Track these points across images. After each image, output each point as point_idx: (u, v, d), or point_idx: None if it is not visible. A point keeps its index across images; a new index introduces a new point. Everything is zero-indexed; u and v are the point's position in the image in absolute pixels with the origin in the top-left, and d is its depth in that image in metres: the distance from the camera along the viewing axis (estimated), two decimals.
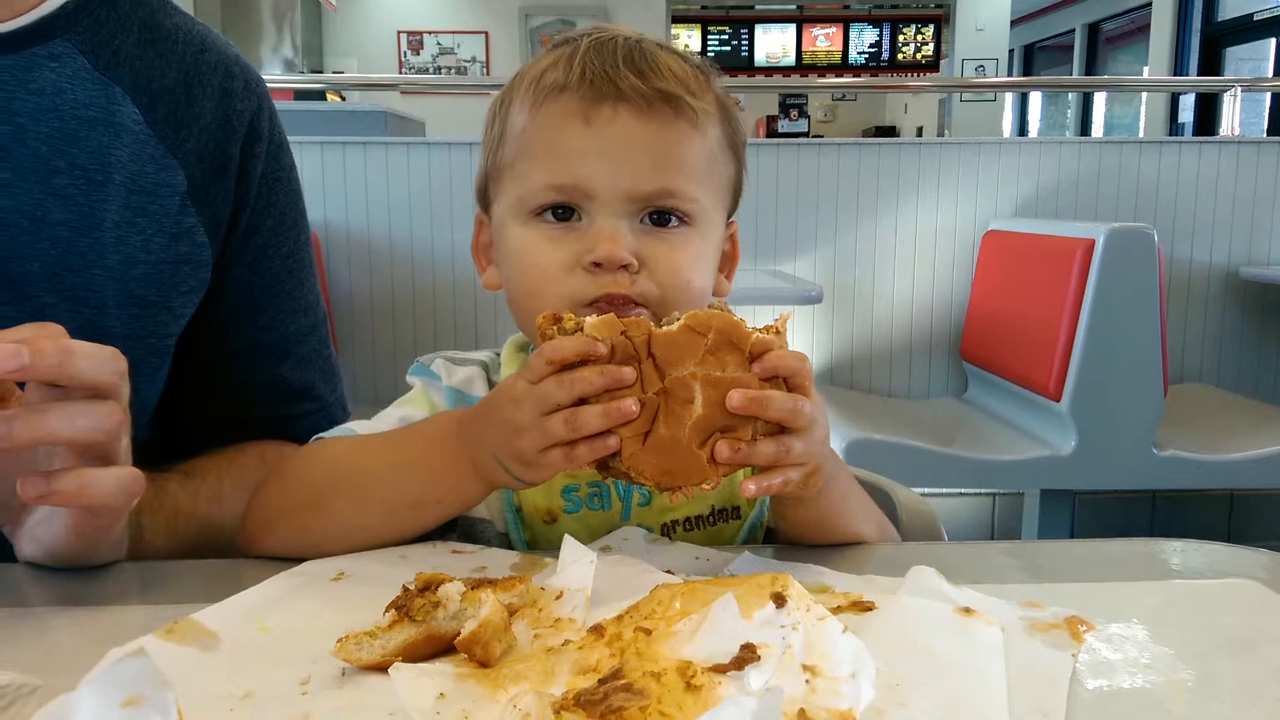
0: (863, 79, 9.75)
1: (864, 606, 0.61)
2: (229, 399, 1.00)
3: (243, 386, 1.00)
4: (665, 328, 0.64)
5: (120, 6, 0.90)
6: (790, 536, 0.76)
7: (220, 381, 0.99)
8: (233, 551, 0.80)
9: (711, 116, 0.81)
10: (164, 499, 0.86)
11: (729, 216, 0.87)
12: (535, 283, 0.78)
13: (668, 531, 0.79)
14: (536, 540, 0.80)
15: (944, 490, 3.07)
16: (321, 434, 0.83)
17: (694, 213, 0.80)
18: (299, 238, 1.04)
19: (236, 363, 0.99)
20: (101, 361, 0.63)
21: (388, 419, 0.85)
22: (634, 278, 0.77)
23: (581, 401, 0.63)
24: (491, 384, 0.86)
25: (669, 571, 0.66)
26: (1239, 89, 3.45)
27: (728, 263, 0.89)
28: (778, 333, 0.66)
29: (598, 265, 0.75)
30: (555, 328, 0.65)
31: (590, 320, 0.64)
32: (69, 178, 0.84)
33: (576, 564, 0.62)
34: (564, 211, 0.78)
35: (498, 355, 0.89)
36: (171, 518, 0.86)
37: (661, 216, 0.78)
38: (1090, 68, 11.30)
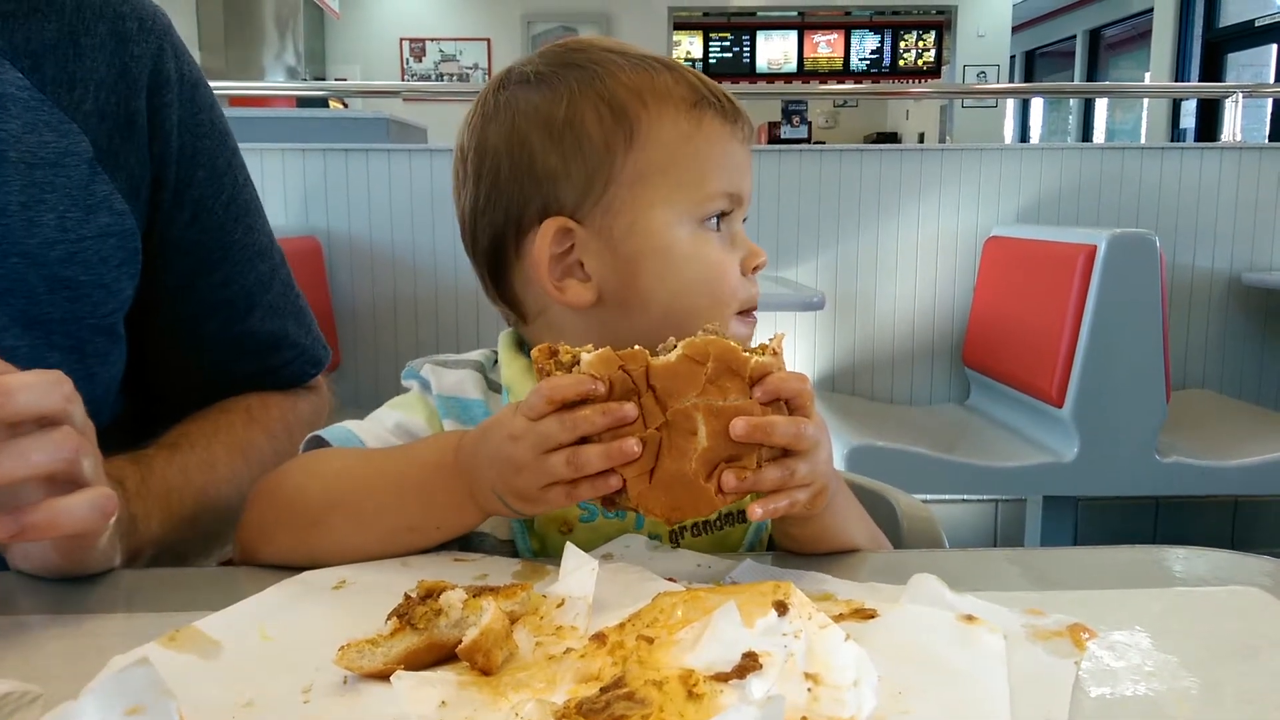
0: (864, 85, 9.78)
1: (866, 614, 0.61)
2: (203, 364, 0.96)
3: (214, 349, 0.96)
4: (663, 358, 0.63)
5: None
6: (791, 550, 0.76)
7: (190, 348, 0.95)
8: (231, 519, 0.78)
9: None
10: (152, 480, 0.83)
11: None
12: (722, 288, 0.81)
13: (676, 536, 0.79)
14: (547, 549, 0.79)
15: (946, 497, 3.07)
16: (320, 434, 0.82)
17: None
18: (237, 179, 0.96)
19: (202, 326, 0.95)
20: (43, 390, 0.60)
21: (383, 422, 0.84)
22: None
23: (583, 439, 0.63)
24: (489, 382, 0.85)
25: (671, 579, 0.66)
26: (1240, 95, 3.45)
27: None
28: (774, 354, 0.65)
29: (755, 269, 0.82)
30: (552, 361, 0.65)
31: (587, 357, 0.63)
32: None
33: (578, 571, 0.62)
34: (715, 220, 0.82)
35: (492, 354, 0.88)
36: (164, 497, 0.83)
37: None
38: (1092, 74, 11.31)
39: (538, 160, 0.79)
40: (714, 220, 0.81)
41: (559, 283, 0.80)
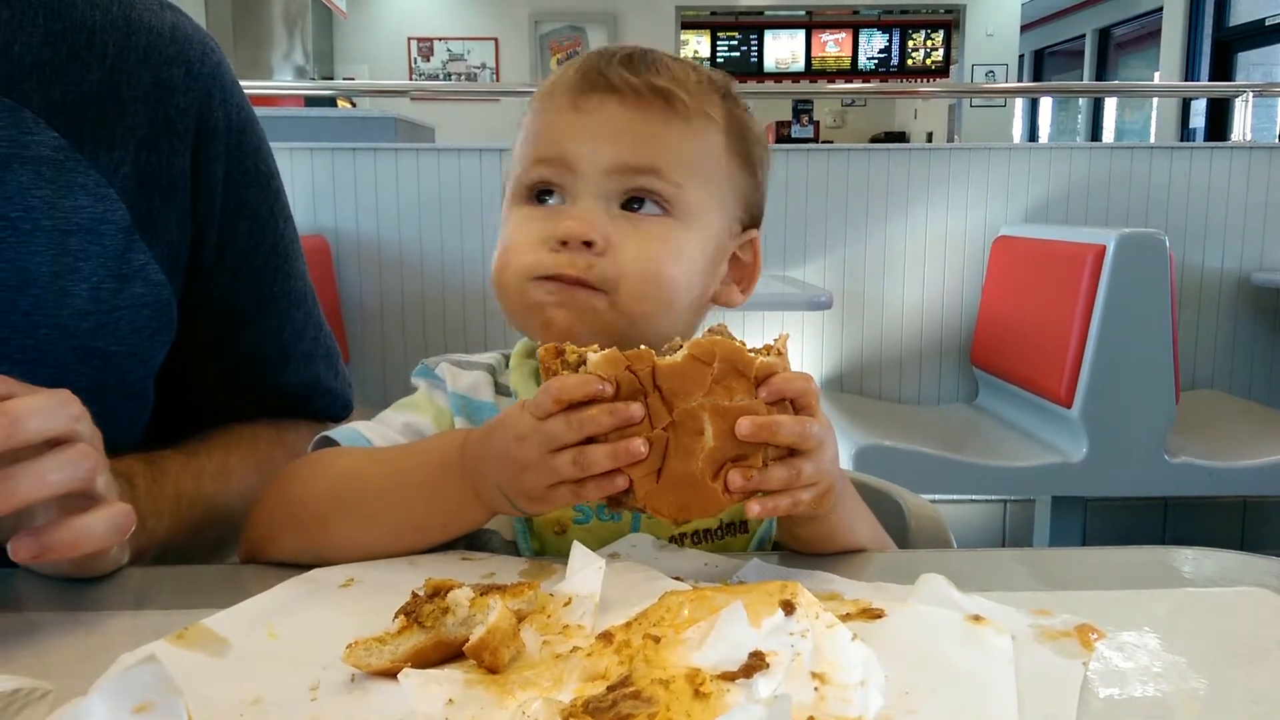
0: (872, 85, 9.76)
1: (873, 614, 0.61)
2: (235, 411, 0.95)
3: (247, 400, 0.95)
4: (669, 358, 0.63)
5: None
6: (795, 550, 0.76)
7: (223, 401, 0.94)
8: (238, 531, 0.78)
9: (713, 123, 0.82)
10: (164, 482, 0.82)
11: (744, 229, 0.86)
12: (504, 257, 0.81)
13: (678, 542, 0.79)
14: (545, 550, 0.80)
15: (954, 497, 3.06)
16: (329, 433, 0.82)
17: (676, 201, 0.79)
18: (279, 225, 0.94)
19: (237, 380, 0.94)
20: (52, 413, 0.60)
21: (391, 423, 0.84)
22: (595, 260, 0.77)
23: (589, 439, 0.63)
24: (498, 386, 0.86)
25: (678, 578, 0.66)
26: (1251, 94, 3.43)
27: (746, 273, 0.88)
28: (779, 353, 0.65)
29: (564, 243, 0.77)
30: (558, 361, 0.65)
31: (594, 358, 0.63)
32: None
33: (585, 570, 0.62)
34: (549, 194, 0.80)
35: (505, 358, 0.89)
36: (174, 500, 0.83)
37: (638, 201, 0.79)
38: (1101, 73, 11.27)
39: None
40: (538, 196, 0.81)
41: None
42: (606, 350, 0.64)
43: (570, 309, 0.77)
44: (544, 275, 0.77)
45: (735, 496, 0.63)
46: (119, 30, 0.78)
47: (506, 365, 0.88)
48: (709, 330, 0.67)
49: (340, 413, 1.04)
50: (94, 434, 0.64)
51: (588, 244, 0.76)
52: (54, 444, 0.60)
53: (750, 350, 0.64)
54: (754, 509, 0.64)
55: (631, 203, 0.79)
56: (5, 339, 0.74)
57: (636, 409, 0.62)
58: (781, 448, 0.64)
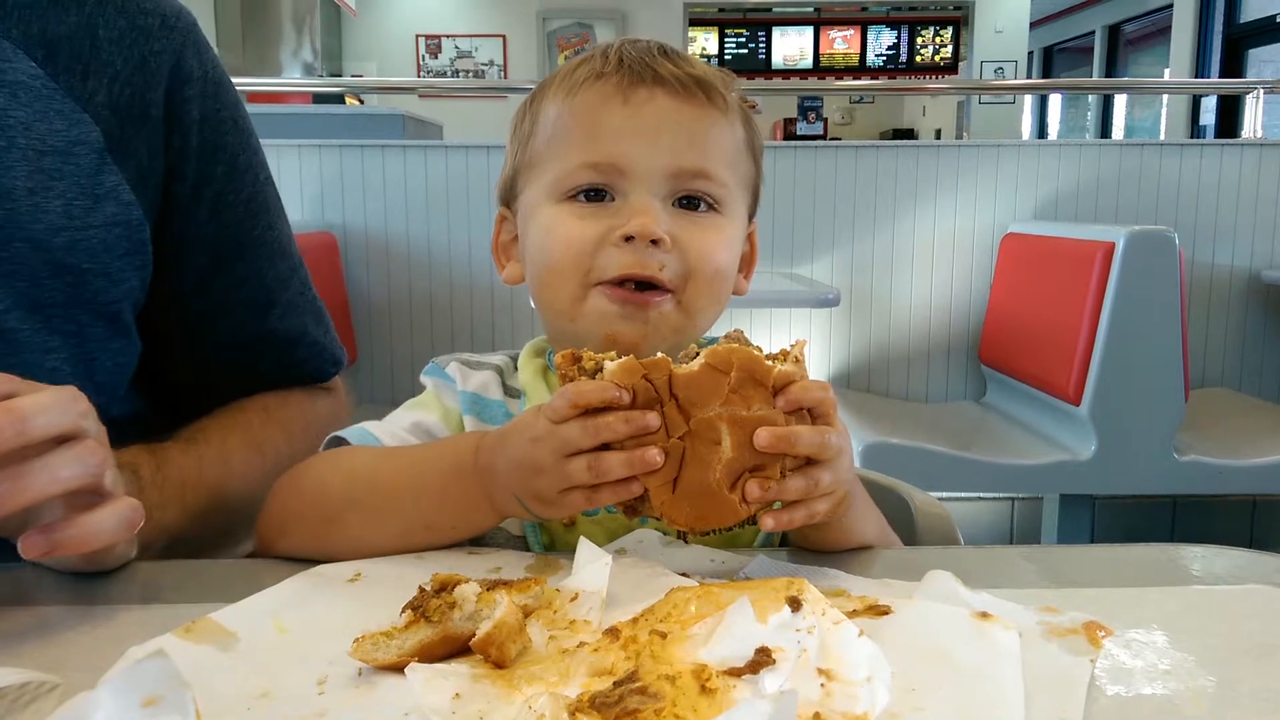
0: (881, 81, 9.74)
1: (880, 610, 0.61)
2: (222, 361, 0.97)
3: (233, 347, 0.97)
4: (686, 366, 0.63)
5: None
6: (803, 548, 0.76)
7: (208, 346, 0.96)
8: (243, 514, 0.79)
9: (736, 114, 0.83)
10: (168, 470, 0.84)
11: (750, 218, 0.88)
12: (561, 257, 0.78)
13: (684, 536, 0.79)
14: (554, 543, 0.80)
15: (963, 495, 3.05)
16: (339, 434, 0.83)
17: (724, 199, 0.81)
18: (258, 177, 0.97)
19: (220, 323, 0.95)
20: (60, 410, 0.61)
21: (400, 422, 0.85)
22: (665, 259, 0.77)
23: (604, 445, 0.63)
24: (506, 388, 0.86)
25: (684, 574, 0.66)
26: (1261, 91, 3.42)
27: (745, 264, 0.90)
28: (796, 361, 0.65)
29: (629, 239, 0.76)
30: (575, 368, 0.65)
31: (610, 366, 0.63)
32: None
33: (592, 566, 0.62)
34: (597, 194, 0.79)
35: (513, 359, 0.89)
36: (179, 488, 0.84)
37: (692, 201, 0.79)
38: (1110, 70, 11.22)
39: (507, 151, 0.88)
40: (584, 194, 0.79)
41: (503, 262, 0.90)
42: (623, 359, 0.63)
43: (638, 322, 0.77)
44: (615, 278, 0.76)
45: (752, 507, 0.63)
46: None
47: (514, 367, 0.88)
48: (726, 336, 0.67)
49: (329, 367, 1.05)
50: (100, 430, 0.65)
51: (654, 242, 0.76)
52: (61, 441, 0.61)
53: (767, 357, 0.64)
54: (768, 523, 0.64)
55: (684, 200, 0.79)
56: None
57: (653, 418, 0.62)
58: (799, 458, 0.64)
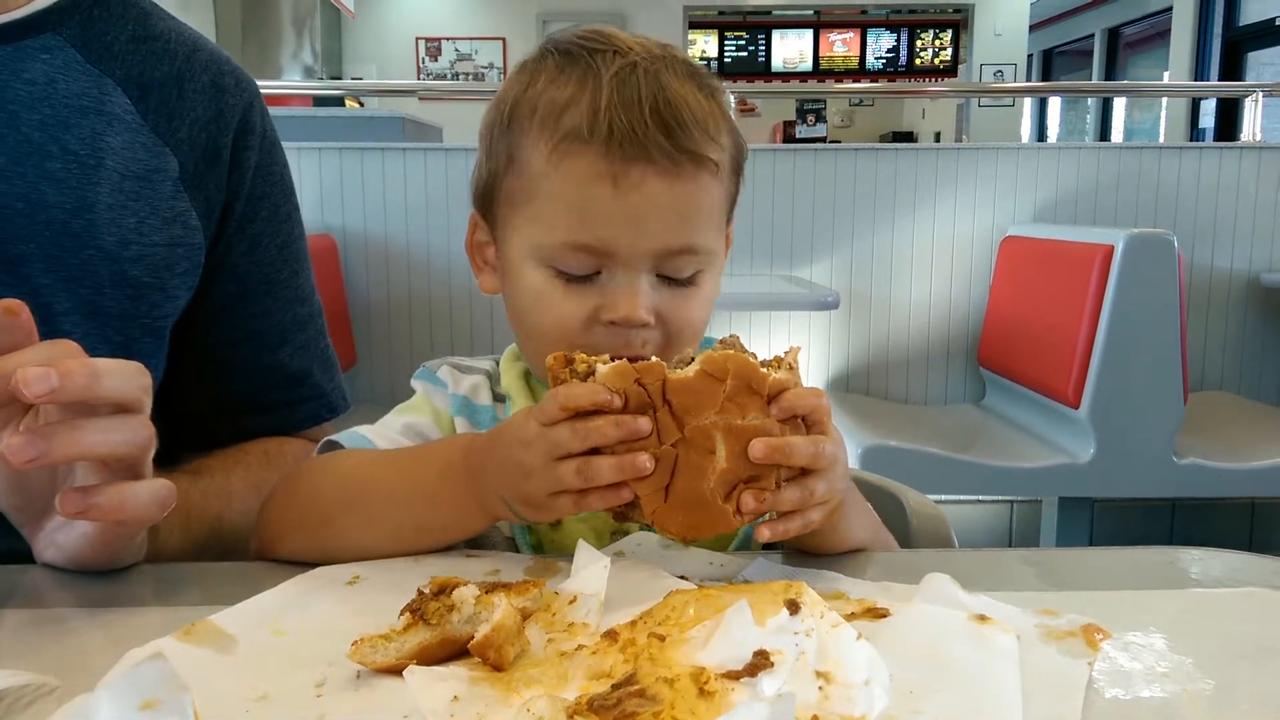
0: (880, 84, 9.75)
1: (878, 613, 0.61)
2: (229, 387, 1.01)
3: (242, 374, 1.01)
4: (680, 372, 0.63)
5: (112, 6, 0.94)
6: (801, 551, 0.76)
7: (220, 369, 1.00)
8: (239, 550, 0.79)
9: (725, 150, 0.80)
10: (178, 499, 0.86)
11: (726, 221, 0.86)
12: (549, 332, 0.78)
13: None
14: (541, 542, 0.80)
15: (961, 498, 3.05)
16: (333, 437, 0.83)
17: (708, 264, 0.80)
18: (293, 231, 1.06)
19: (235, 350, 1.01)
20: (127, 378, 0.64)
21: (392, 426, 0.86)
22: (648, 334, 0.77)
23: (595, 450, 0.62)
24: (495, 394, 0.86)
25: (683, 577, 0.66)
26: (1260, 94, 3.42)
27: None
28: (790, 368, 0.65)
29: (614, 323, 0.76)
30: (567, 370, 0.64)
31: (602, 369, 0.63)
32: (61, 162, 0.86)
33: (590, 568, 0.62)
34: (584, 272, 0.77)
35: (498, 363, 0.89)
36: (185, 517, 0.86)
37: (677, 267, 0.78)
38: (1110, 73, 11.24)
39: (480, 152, 0.85)
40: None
41: (480, 266, 0.89)
42: (616, 362, 0.63)
43: None
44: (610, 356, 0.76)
45: (747, 518, 0.63)
46: (187, 46, 0.98)
47: (499, 372, 0.88)
48: (721, 341, 0.67)
49: (324, 413, 1.09)
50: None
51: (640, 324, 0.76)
52: (118, 412, 0.64)
53: (762, 364, 0.64)
54: (764, 534, 0.64)
55: (668, 270, 0.78)
56: (55, 255, 0.86)
57: (644, 423, 0.61)
58: (794, 468, 0.64)
